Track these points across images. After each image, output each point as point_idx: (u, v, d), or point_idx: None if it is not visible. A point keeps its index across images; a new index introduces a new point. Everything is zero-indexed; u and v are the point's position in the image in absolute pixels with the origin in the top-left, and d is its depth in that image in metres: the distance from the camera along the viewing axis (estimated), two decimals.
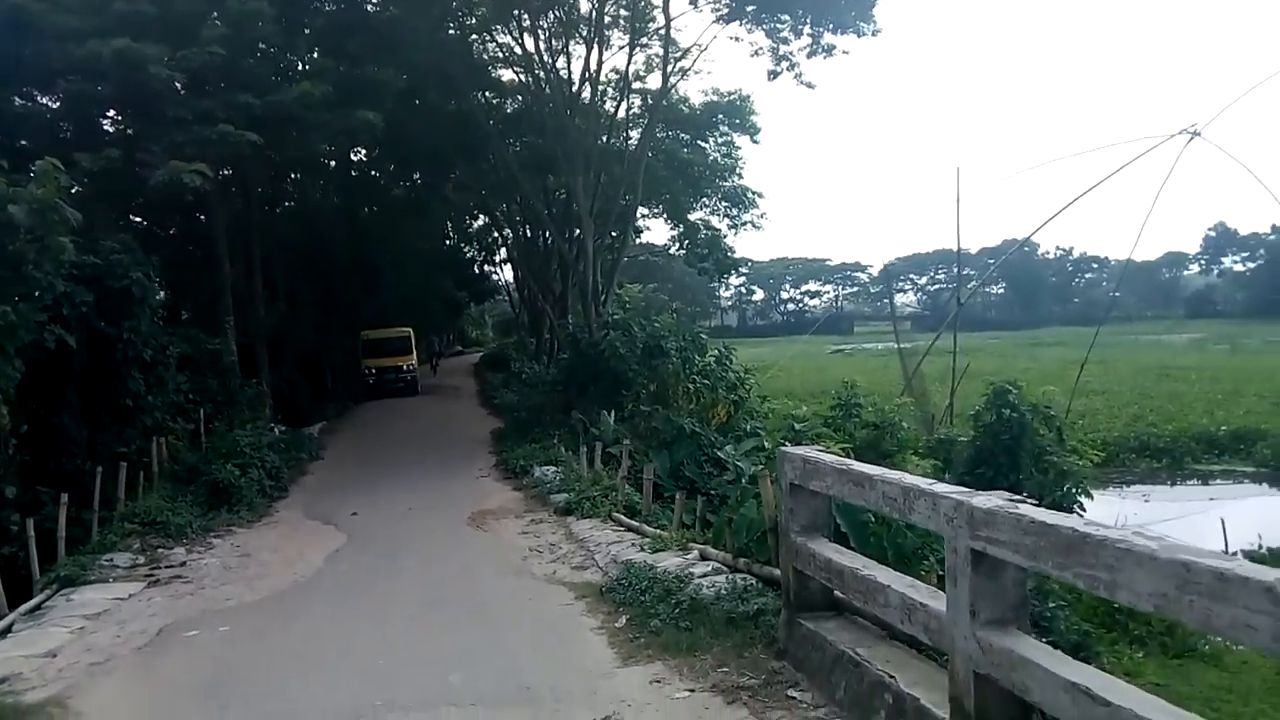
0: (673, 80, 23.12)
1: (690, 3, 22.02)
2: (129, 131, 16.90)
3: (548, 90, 24.04)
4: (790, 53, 20.44)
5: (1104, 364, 46.45)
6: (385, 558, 9.37)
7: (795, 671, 4.68)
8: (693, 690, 4.63)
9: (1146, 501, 18.40)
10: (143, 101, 15.21)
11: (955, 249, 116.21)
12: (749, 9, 19.93)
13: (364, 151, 31.66)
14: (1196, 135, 16.56)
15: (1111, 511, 17.36)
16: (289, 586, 8.50)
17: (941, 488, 3.66)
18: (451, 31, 23.20)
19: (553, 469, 12.06)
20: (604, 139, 24.56)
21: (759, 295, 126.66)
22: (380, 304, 31.53)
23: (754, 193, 29.98)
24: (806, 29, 19.68)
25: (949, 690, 3.44)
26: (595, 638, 5.78)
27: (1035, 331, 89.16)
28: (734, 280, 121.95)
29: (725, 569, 6.37)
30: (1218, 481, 20.54)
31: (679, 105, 26.39)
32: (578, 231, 23.87)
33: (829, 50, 19.89)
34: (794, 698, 4.41)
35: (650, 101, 24.64)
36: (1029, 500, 3.29)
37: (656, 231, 34.76)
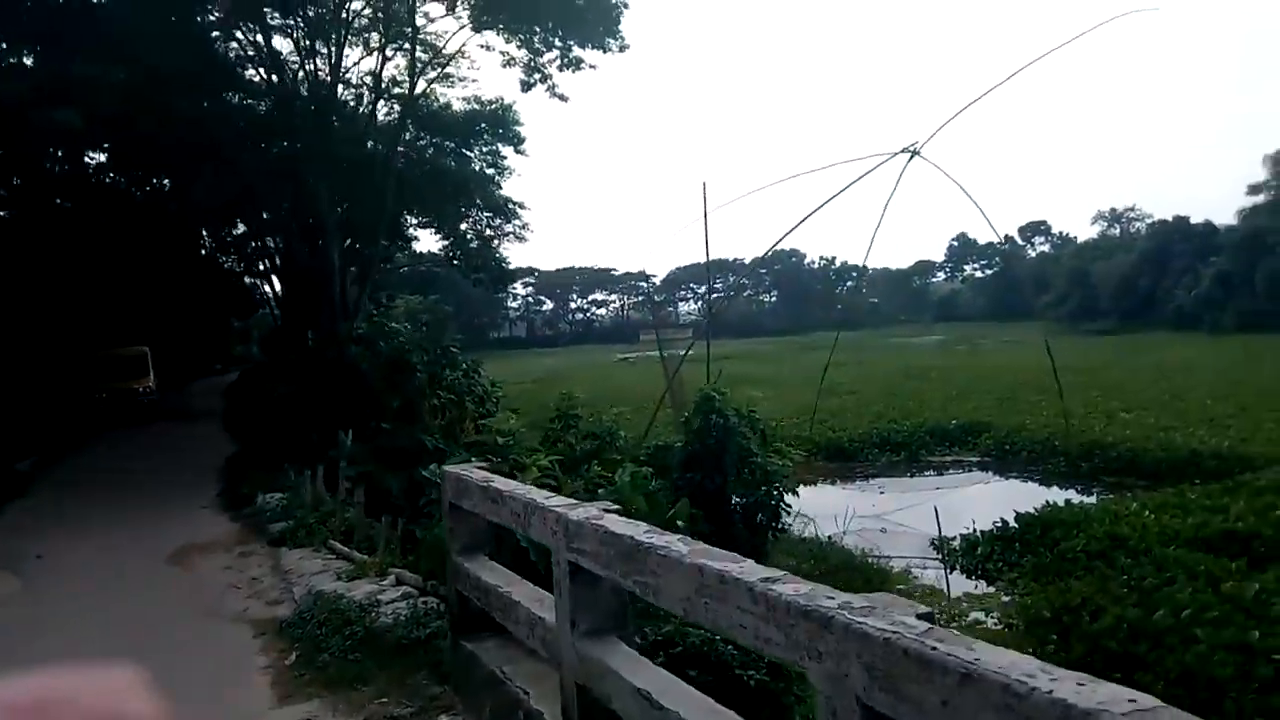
0: (425, 85, 22.79)
1: (448, 9, 21.85)
2: None
3: (304, 91, 23.06)
4: (542, 64, 20.70)
5: (860, 364, 49.99)
6: (57, 607, 8.45)
7: (454, 695, 4.58)
8: None
9: (882, 493, 19.76)
10: None
11: (725, 259, 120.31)
12: (501, 17, 19.93)
13: (101, 155, 29.22)
14: (916, 154, 17.80)
15: (854, 504, 18.64)
16: None
17: (554, 501, 3.65)
18: (194, 24, 21.74)
19: (277, 496, 11.38)
20: (366, 145, 23.84)
21: (548, 305, 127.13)
22: (122, 320, 29.02)
23: (515, 203, 30.01)
24: (557, 41, 19.96)
25: (561, 702, 3.43)
26: (260, 678, 5.45)
27: (805, 337, 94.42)
28: (521, 290, 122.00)
29: (416, 593, 6.18)
30: (950, 471, 22.33)
31: (440, 112, 26.00)
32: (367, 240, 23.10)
33: (577, 64, 20.29)
34: None
35: (402, 107, 24.04)
36: (616, 510, 3.32)
37: (427, 242, 33.98)
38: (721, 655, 5.18)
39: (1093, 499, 16.85)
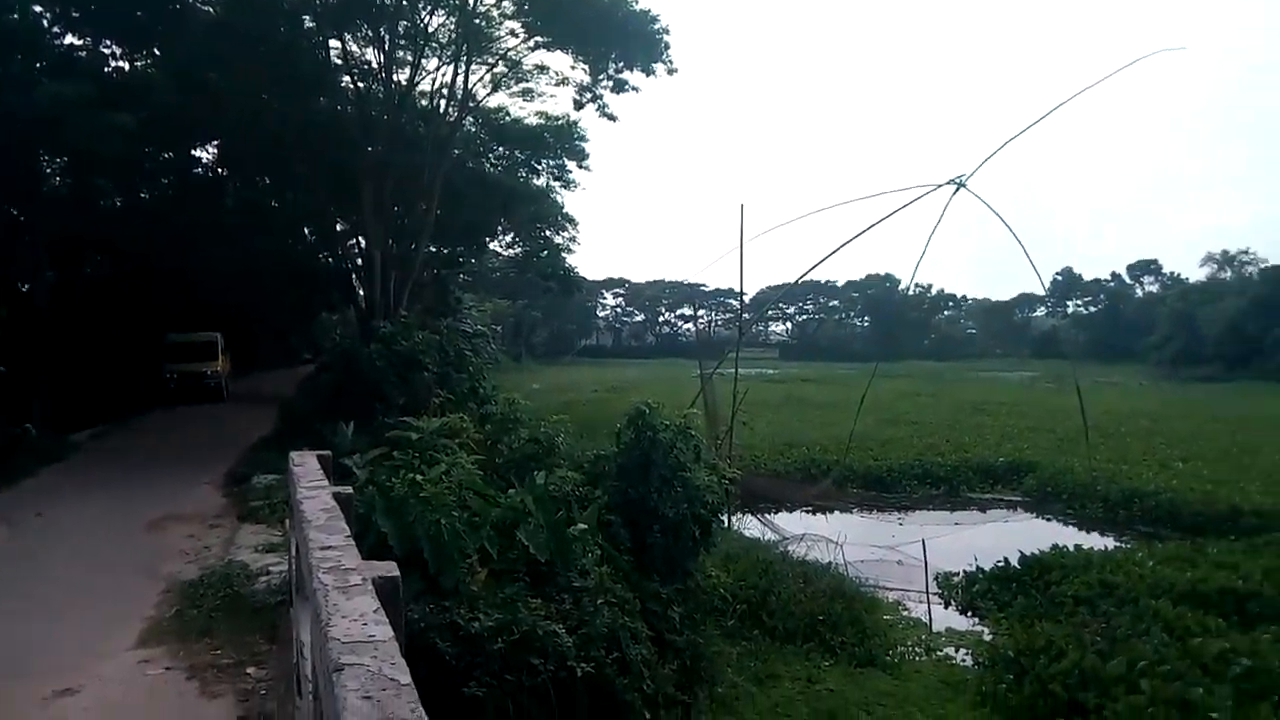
0: (484, 89, 23.83)
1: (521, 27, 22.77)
2: None
3: (386, 99, 24.33)
4: (591, 85, 21.42)
5: (934, 397, 49.13)
6: (21, 556, 9.34)
7: (276, 652, 5.14)
8: (168, 669, 5.10)
9: (901, 525, 19.61)
10: None
11: (822, 281, 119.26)
12: (555, 31, 20.76)
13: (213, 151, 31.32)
14: (963, 186, 17.76)
15: (874, 533, 18.59)
16: None
17: (307, 485, 4.06)
18: (299, 33, 23.26)
19: (270, 477, 12.17)
20: (418, 151, 24.97)
21: (639, 317, 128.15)
22: (212, 308, 30.82)
23: (566, 216, 30.79)
24: (609, 64, 20.69)
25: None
26: (136, 625, 6.44)
27: (893, 364, 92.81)
28: (610, 300, 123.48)
29: None
30: (991, 509, 21.92)
31: (511, 124, 27.03)
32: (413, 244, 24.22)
33: (622, 85, 20.97)
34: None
35: (455, 115, 25.07)
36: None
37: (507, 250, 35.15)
38: (560, 647, 5.51)
39: (1115, 545, 16.38)
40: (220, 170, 33.07)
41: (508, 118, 27.29)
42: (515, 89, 25.46)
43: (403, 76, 24.49)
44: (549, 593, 6.42)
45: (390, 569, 2.98)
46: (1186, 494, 19.20)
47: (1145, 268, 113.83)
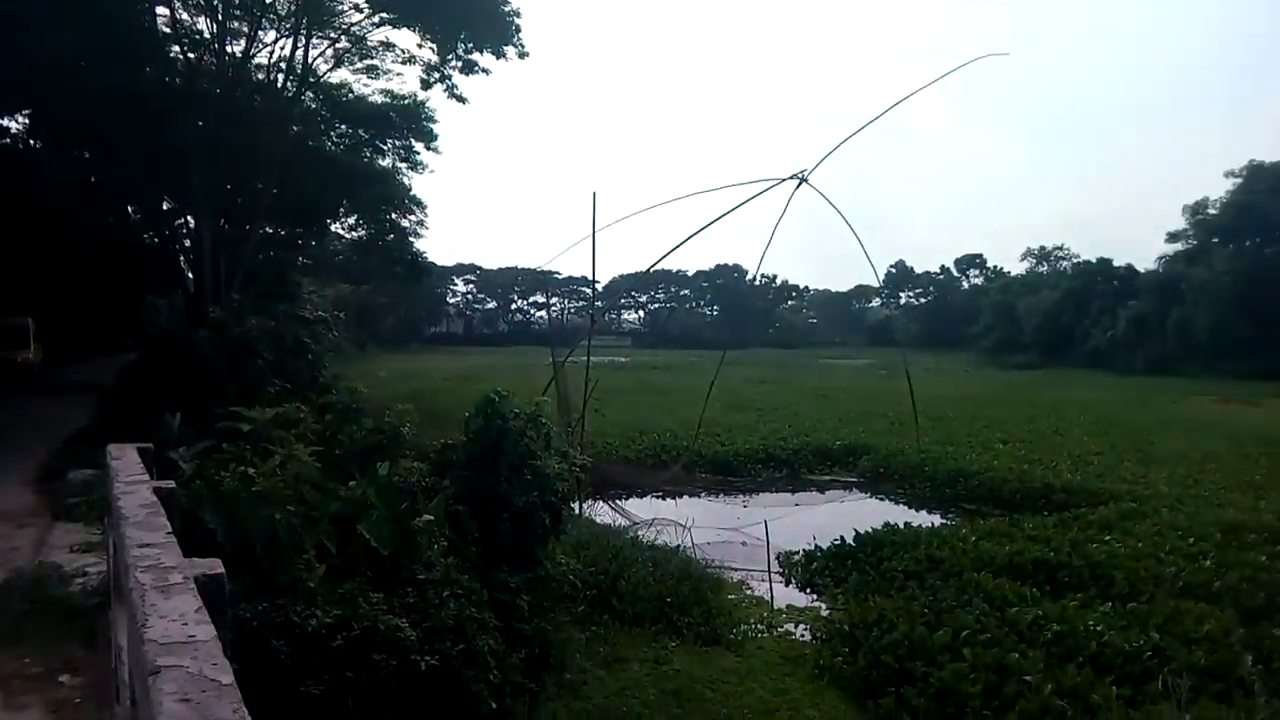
0: (327, 69, 22.91)
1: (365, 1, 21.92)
2: None
3: (219, 71, 22.94)
4: (440, 64, 20.96)
5: (778, 383, 50.82)
6: None
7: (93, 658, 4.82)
8: None
9: (746, 507, 20.22)
10: None
11: (673, 270, 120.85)
12: (401, 7, 20.17)
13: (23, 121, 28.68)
14: (804, 181, 18.31)
15: (722, 515, 19.06)
16: None
17: (125, 477, 3.82)
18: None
19: (89, 472, 11.35)
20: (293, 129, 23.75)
21: (491, 304, 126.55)
22: (21, 291, 28.30)
23: (413, 199, 30.06)
24: (458, 44, 20.28)
25: None
26: None
27: (741, 352, 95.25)
28: (461, 286, 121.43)
29: None
30: (829, 489, 22.85)
31: (354, 102, 26.05)
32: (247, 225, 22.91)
33: (472, 67, 20.61)
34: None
35: (294, 91, 24.00)
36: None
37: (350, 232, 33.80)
38: (403, 641, 5.40)
39: (941, 522, 17.38)
40: (33, 142, 30.39)
41: (350, 95, 26.29)
42: (359, 66, 24.59)
43: (237, 48, 23.21)
44: (392, 586, 6.26)
45: (214, 566, 2.83)
46: (1005, 473, 20.65)
47: (971, 262, 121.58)
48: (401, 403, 11.50)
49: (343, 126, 27.68)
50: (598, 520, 16.32)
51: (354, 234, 32.12)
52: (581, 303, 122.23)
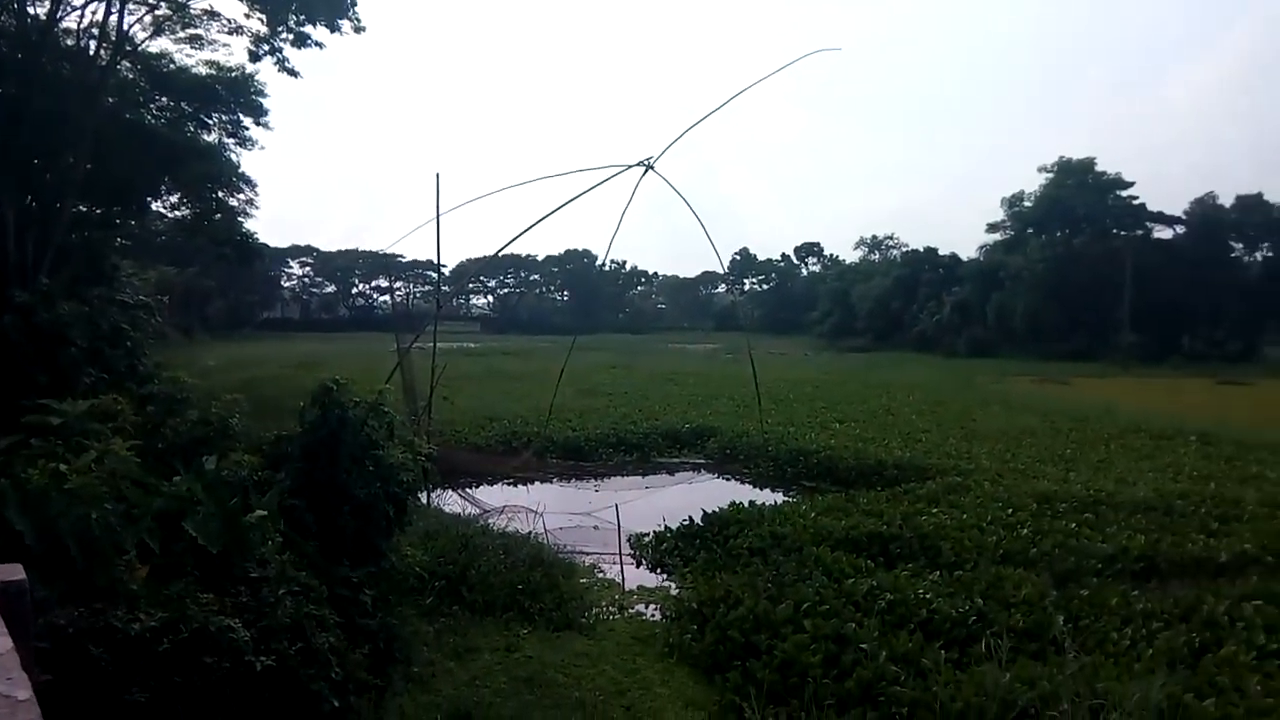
0: (145, 37, 21.29)
1: None
2: None
3: (20, 35, 20.89)
4: (269, 36, 19.90)
5: (628, 368, 51.32)
6: None
7: None
8: None
9: (598, 491, 20.33)
10: None
11: (523, 255, 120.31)
12: None
13: None
14: (650, 168, 18.36)
15: (574, 500, 19.07)
16: None
17: None
18: None
19: None
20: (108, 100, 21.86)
21: (330, 288, 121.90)
22: None
23: (240, 177, 28.57)
24: (291, 16, 19.28)
25: None
26: None
27: (591, 337, 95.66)
28: (298, 270, 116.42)
29: None
30: (679, 471, 23.23)
31: (176, 72, 24.35)
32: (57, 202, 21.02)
33: (304, 40, 19.69)
34: None
35: (108, 59, 22.27)
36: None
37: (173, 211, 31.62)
38: (236, 642, 5.12)
39: (784, 499, 17.97)
40: None
41: (172, 65, 24.55)
42: (181, 34, 22.95)
43: (41, 10, 21.23)
44: (224, 586, 5.91)
45: (13, 572, 2.57)
46: (842, 451, 21.60)
47: (809, 249, 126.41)
48: (232, 392, 10.87)
49: (163, 99, 25.81)
50: (446, 510, 16.04)
51: (177, 213, 30.07)
52: (427, 287, 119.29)
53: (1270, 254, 77.63)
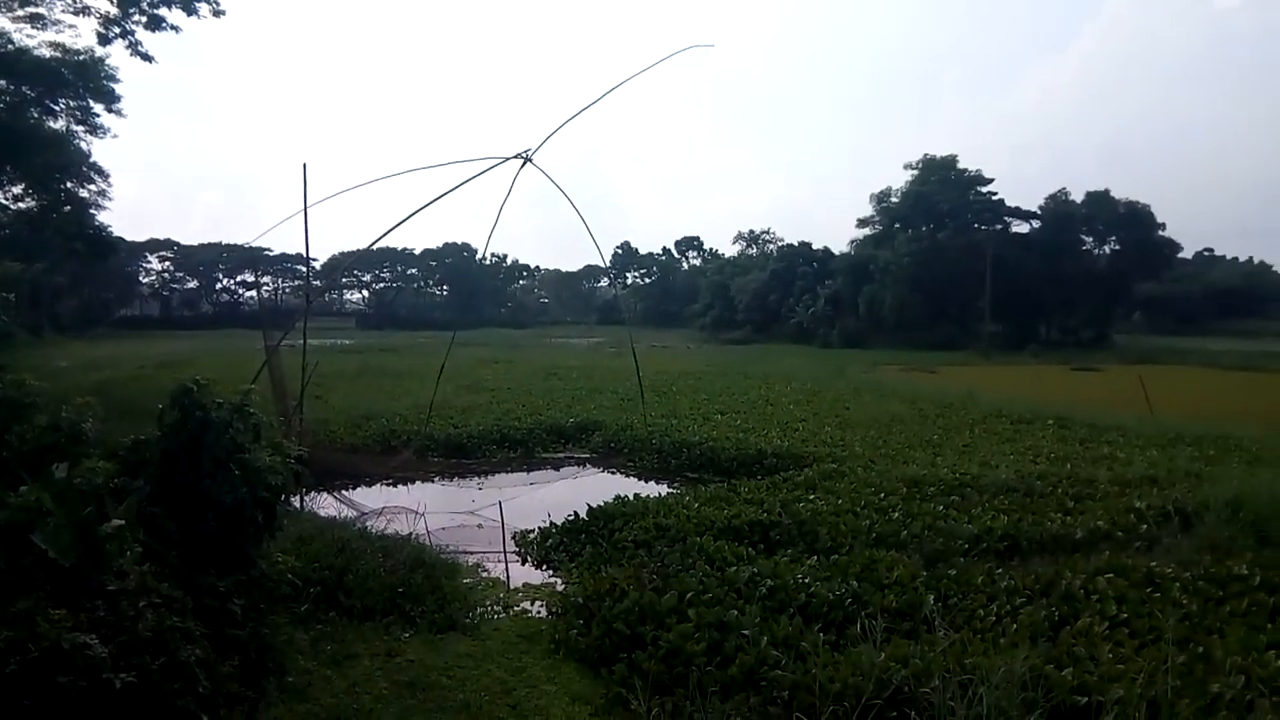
0: None
1: None
2: None
3: None
4: (120, 18, 18.77)
5: (511, 363, 50.91)
6: None
7: None
8: None
9: (480, 489, 20.08)
10: None
11: (399, 248, 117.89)
12: None
13: None
14: (529, 160, 18.20)
15: (458, 499, 18.76)
16: None
17: None
18: None
19: None
20: None
21: (193, 283, 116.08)
22: None
23: (91, 166, 26.93)
24: None
25: None
26: None
27: (473, 332, 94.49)
28: (157, 264, 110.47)
29: None
30: (564, 466, 23.15)
31: (15, 54, 22.59)
32: None
33: (158, 23, 18.66)
34: None
35: None
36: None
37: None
38: (93, 659, 4.82)
39: (668, 491, 18.12)
40: None
41: (11, 46, 22.83)
42: (20, 12, 21.33)
43: None
44: (79, 600, 5.54)
45: None
46: (724, 442, 21.98)
47: (690, 243, 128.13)
48: (85, 395, 10.21)
49: (2, 82, 24.01)
50: (322, 513, 15.54)
51: (22, 204, 28.03)
52: (297, 281, 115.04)
53: (1118, 247, 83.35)
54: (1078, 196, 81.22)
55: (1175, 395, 34.66)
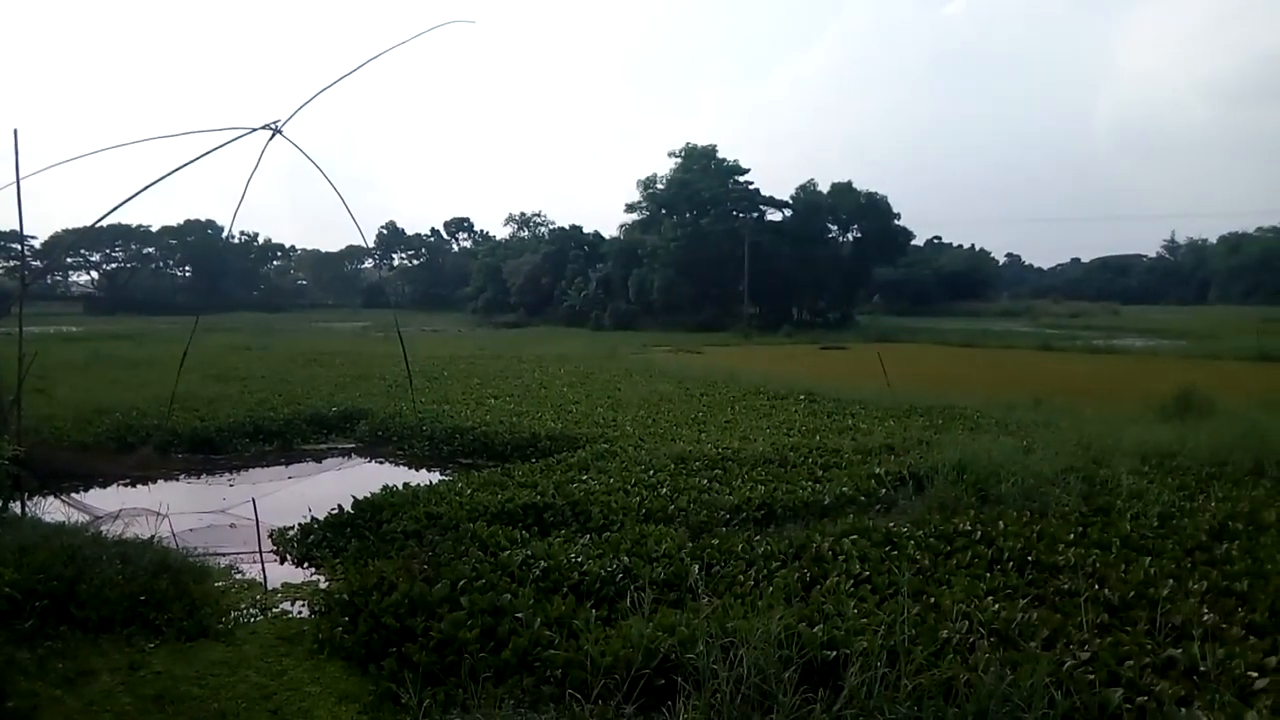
0: None
1: None
2: None
3: None
4: None
5: (265, 350, 47.96)
6: None
7: None
8: None
9: (232, 486, 18.85)
10: None
11: (133, 225, 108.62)
12: None
13: None
14: (279, 132, 17.07)
15: (206, 498, 17.46)
16: None
17: None
18: None
19: None
20: None
21: None
22: None
23: None
24: None
25: None
26: None
27: (220, 316, 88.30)
28: None
29: None
30: (327, 458, 22.09)
31: None
32: None
33: None
34: None
35: None
36: None
37: None
38: None
39: (440, 478, 17.78)
40: None
41: None
42: None
43: None
44: None
45: None
46: (498, 426, 21.83)
47: (460, 225, 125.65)
48: None
49: None
50: (48, 519, 13.97)
51: None
52: (12, 262, 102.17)
53: (859, 234, 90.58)
54: (824, 187, 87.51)
55: (910, 370, 38.16)
